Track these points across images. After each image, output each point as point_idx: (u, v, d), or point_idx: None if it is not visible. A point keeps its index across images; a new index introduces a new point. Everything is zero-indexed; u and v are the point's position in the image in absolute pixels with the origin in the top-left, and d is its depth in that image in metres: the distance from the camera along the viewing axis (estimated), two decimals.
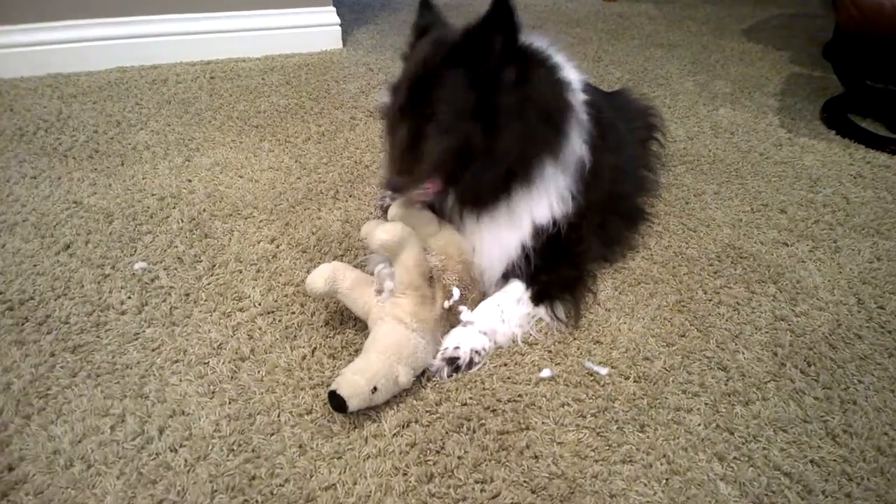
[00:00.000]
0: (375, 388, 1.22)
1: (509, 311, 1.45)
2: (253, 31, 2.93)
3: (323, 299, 1.49)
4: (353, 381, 1.21)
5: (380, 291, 1.39)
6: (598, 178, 1.51)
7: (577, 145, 1.45)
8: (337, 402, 1.20)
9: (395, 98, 1.39)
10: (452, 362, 1.36)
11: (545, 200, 1.45)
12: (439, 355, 1.37)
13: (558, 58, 1.49)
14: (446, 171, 1.37)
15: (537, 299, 1.49)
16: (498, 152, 1.35)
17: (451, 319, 1.42)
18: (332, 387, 1.21)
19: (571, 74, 1.51)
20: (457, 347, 1.38)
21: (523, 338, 1.46)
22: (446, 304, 1.39)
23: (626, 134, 1.93)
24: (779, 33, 3.58)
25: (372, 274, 1.46)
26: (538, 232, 1.46)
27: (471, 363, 1.38)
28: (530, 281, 1.49)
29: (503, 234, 1.46)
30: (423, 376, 1.35)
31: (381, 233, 1.34)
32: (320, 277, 1.37)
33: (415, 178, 1.35)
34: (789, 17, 3.86)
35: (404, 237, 1.36)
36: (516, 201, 1.42)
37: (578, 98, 1.48)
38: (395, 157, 1.37)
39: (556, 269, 1.51)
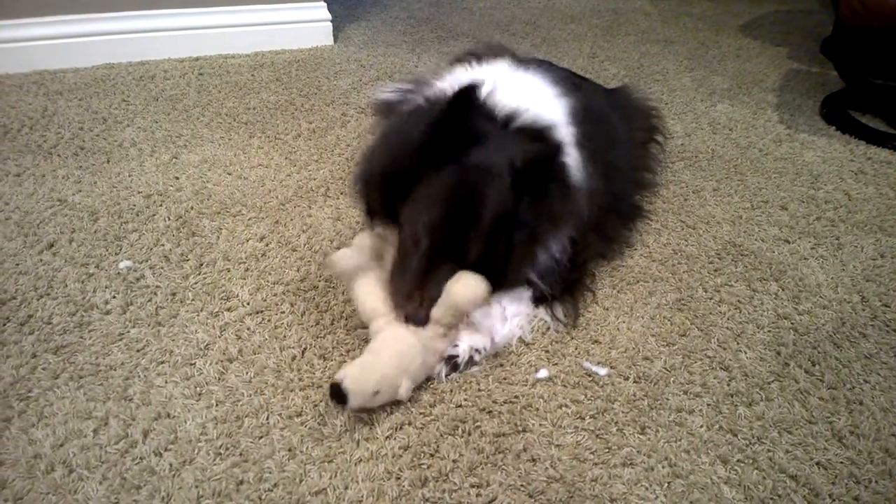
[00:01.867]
0: (377, 392, 1.18)
1: (511, 310, 1.42)
2: (243, 26, 2.89)
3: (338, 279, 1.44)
4: (361, 378, 1.17)
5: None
6: (596, 191, 1.49)
7: (577, 208, 1.44)
8: (338, 393, 1.15)
9: (422, 225, 1.29)
10: (451, 360, 1.32)
11: (545, 257, 1.44)
12: None
13: (546, 91, 1.53)
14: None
15: (538, 300, 1.46)
16: (514, 266, 1.37)
17: None
18: (338, 377, 1.16)
19: (558, 107, 1.50)
20: (456, 345, 1.34)
21: (522, 338, 1.42)
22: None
23: (624, 134, 1.90)
24: (776, 29, 3.56)
25: None
26: (542, 272, 1.45)
27: (470, 361, 1.34)
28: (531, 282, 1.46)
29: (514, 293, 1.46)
30: None
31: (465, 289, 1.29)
32: (352, 260, 1.32)
33: (430, 305, 1.30)
34: (786, 14, 3.84)
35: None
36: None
37: (570, 141, 1.45)
38: (414, 289, 1.29)
39: (557, 272, 1.48)
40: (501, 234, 1.31)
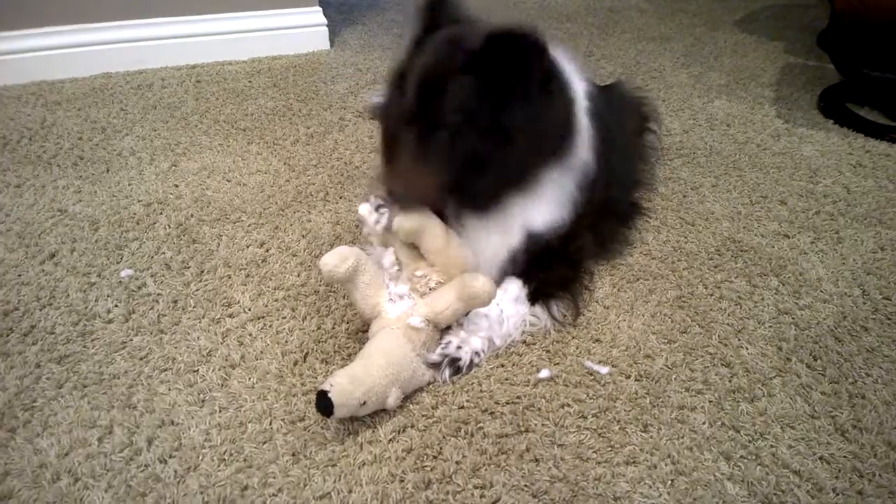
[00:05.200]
0: (364, 403, 1.18)
1: (508, 310, 1.41)
2: (239, 33, 2.89)
3: (333, 286, 1.43)
4: (348, 391, 1.16)
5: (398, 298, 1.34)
6: (598, 182, 1.49)
7: (583, 154, 1.44)
8: (324, 404, 1.14)
9: (397, 97, 1.30)
10: (454, 363, 1.33)
11: (543, 207, 1.42)
12: (440, 349, 1.33)
13: (568, 66, 1.47)
14: (453, 184, 1.33)
15: (534, 298, 1.45)
16: (507, 166, 1.32)
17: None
18: (324, 386, 1.15)
19: (577, 82, 1.48)
20: (459, 347, 1.34)
21: (520, 338, 1.42)
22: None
23: (618, 127, 1.90)
24: (772, 24, 3.56)
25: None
26: (532, 238, 1.42)
27: (471, 365, 1.35)
28: (526, 278, 1.45)
29: (495, 239, 1.43)
30: None
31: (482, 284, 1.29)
32: (343, 263, 1.27)
33: (422, 194, 1.31)
34: (782, 8, 3.83)
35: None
36: (512, 207, 1.39)
37: (584, 108, 1.46)
38: (401, 167, 1.29)
39: (552, 268, 1.48)
40: (481, 115, 1.26)
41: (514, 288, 1.44)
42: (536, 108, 1.29)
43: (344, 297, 1.51)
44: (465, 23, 1.38)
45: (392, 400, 1.22)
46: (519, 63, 1.24)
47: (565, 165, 1.41)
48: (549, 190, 1.41)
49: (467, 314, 1.37)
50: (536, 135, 1.32)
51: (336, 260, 1.27)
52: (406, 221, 1.32)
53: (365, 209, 1.42)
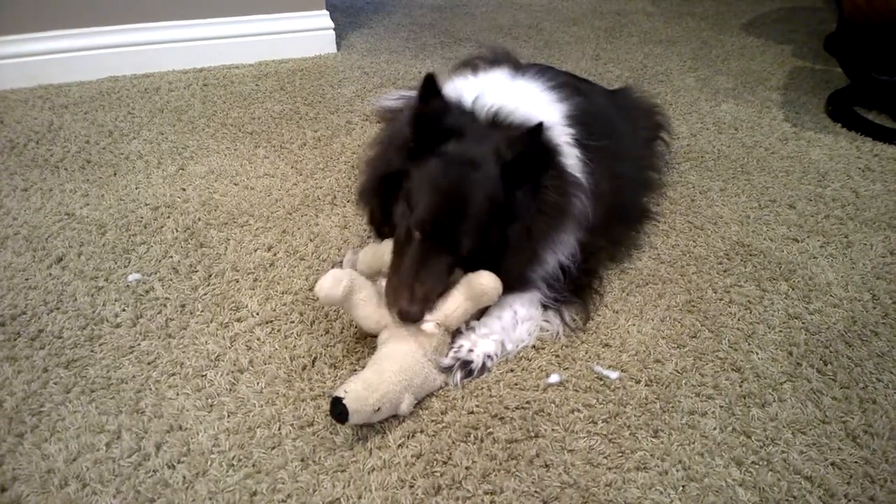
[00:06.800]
0: (378, 409, 1.18)
1: (522, 314, 1.41)
2: (246, 36, 2.90)
3: (332, 307, 1.46)
4: (363, 397, 1.16)
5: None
6: (599, 202, 1.48)
7: (579, 206, 1.43)
8: (339, 410, 1.14)
9: (412, 220, 1.30)
10: (466, 366, 1.32)
11: (553, 260, 1.43)
12: (452, 353, 1.33)
13: (543, 96, 1.53)
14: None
15: (547, 305, 1.45)
16: (513, 263, 1.37)
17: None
18: (339, 393, 1.15)
19: (554, 114, 1.50)
20: (471, 350, 1.34)
21: (532, 343, 1.42)
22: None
23: (628, 135, 1.90)
24: (779, 27, 3.55)
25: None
26: (549, 278, 1.45)
27: (483, 368, 1.34)
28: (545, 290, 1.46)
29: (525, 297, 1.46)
30: None
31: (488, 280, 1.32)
32: (339, 285, 1.29)
33: (429, 305, 1.31)
34: (789, 11, 3.83)
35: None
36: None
37: (572, 160, 1.45)
38: (407, 285, 1.28)
39: (567, 277, 1.48)
40: (495, 226, 1.31)
41: (530, 295, 1.45)
42: (537, 204, 1.36)
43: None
44: (465, 135, 1.36)
45: (405, 406, 1.21)
46: (537, 170, 1.34)
47: (567, 231, 1.43)
48: (554, 250, 1.43)
49: (479, 318, 1.37)
50: (538, 223, 1.37)
51: (331, 282, 1.29)
52: (362, 263, 1.43)
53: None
